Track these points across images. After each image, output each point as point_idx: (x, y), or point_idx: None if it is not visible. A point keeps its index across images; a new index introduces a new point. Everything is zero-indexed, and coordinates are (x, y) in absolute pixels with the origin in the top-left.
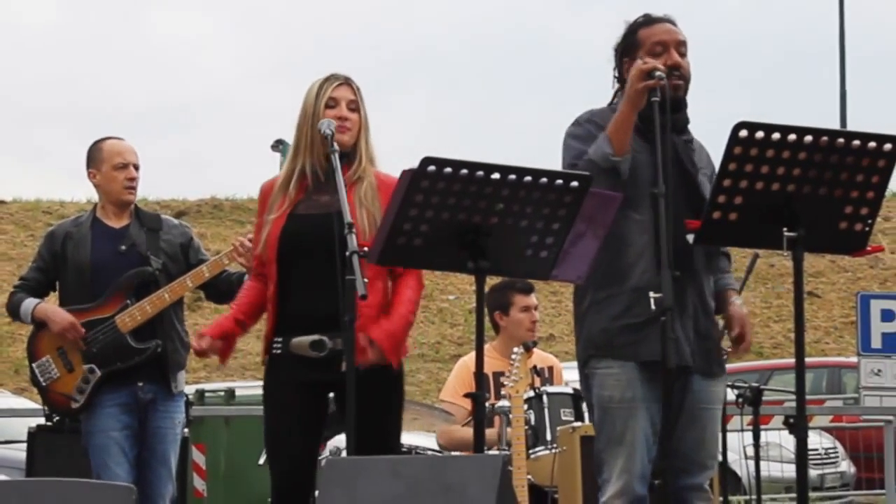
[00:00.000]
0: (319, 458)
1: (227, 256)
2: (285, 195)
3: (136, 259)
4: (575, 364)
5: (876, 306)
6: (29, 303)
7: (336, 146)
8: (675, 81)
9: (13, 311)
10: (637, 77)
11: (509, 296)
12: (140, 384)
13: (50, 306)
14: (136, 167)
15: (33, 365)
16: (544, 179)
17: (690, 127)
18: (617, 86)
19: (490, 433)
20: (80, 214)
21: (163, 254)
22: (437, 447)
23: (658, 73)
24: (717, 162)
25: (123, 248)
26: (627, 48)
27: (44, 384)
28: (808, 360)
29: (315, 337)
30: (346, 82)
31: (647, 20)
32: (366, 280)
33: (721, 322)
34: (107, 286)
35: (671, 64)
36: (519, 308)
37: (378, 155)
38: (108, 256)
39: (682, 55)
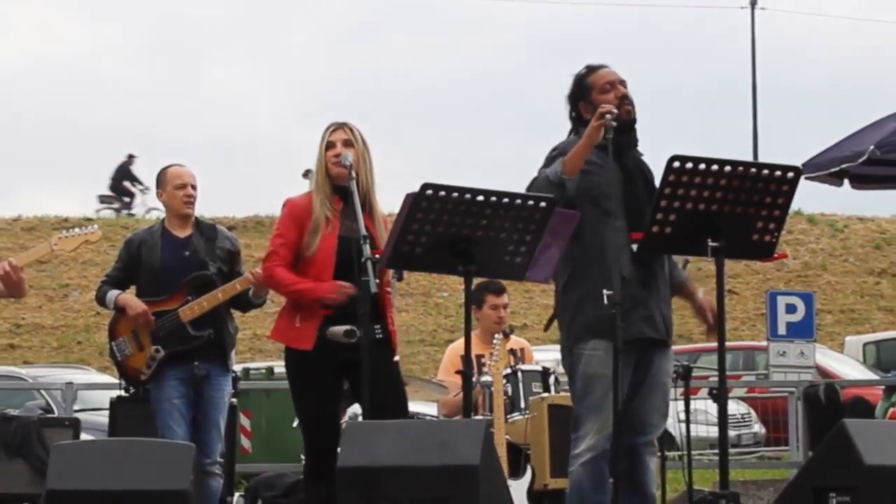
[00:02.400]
0: (340, 422)
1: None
2: (324, 221)
3: (197, 263)
4: (543, 346)
5: (781, 301)
6: (112, 293)
7: (354, 174)
8: (627, 107)
9: (100, 299)
10: (596, 117)
11: (483, 294)
12: (196, 363)
13: (129, 296)
14: (194, 187)
15: (112, 343)
16: (519, 201)
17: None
18: (571, 125)
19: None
20: (152, 225)
21: (218, 259)
22: (435, 414)
23: (608, 116)
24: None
25: (187, 253)
26: (581, 94)
27: (119, 359)
28: (727, 343)
29: (348, 327)
30: (341, 126)
31: (591, 69)
32: (377, 281)
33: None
34: (173, 284)
35: (621, 95)
36: (489, 305)
37: (378, 182)
38: (175, 261)
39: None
